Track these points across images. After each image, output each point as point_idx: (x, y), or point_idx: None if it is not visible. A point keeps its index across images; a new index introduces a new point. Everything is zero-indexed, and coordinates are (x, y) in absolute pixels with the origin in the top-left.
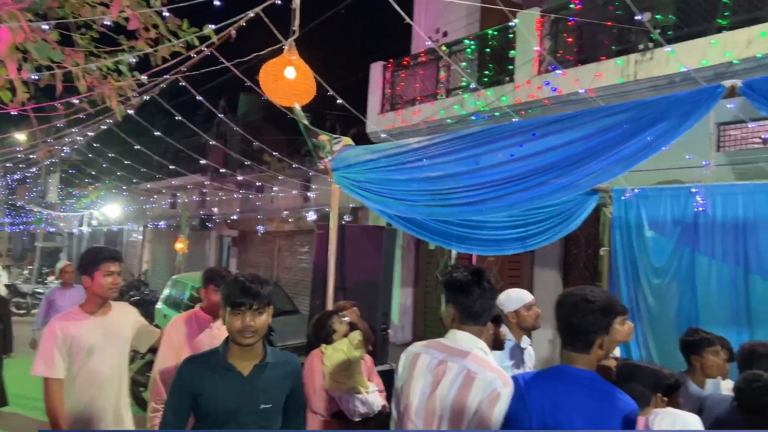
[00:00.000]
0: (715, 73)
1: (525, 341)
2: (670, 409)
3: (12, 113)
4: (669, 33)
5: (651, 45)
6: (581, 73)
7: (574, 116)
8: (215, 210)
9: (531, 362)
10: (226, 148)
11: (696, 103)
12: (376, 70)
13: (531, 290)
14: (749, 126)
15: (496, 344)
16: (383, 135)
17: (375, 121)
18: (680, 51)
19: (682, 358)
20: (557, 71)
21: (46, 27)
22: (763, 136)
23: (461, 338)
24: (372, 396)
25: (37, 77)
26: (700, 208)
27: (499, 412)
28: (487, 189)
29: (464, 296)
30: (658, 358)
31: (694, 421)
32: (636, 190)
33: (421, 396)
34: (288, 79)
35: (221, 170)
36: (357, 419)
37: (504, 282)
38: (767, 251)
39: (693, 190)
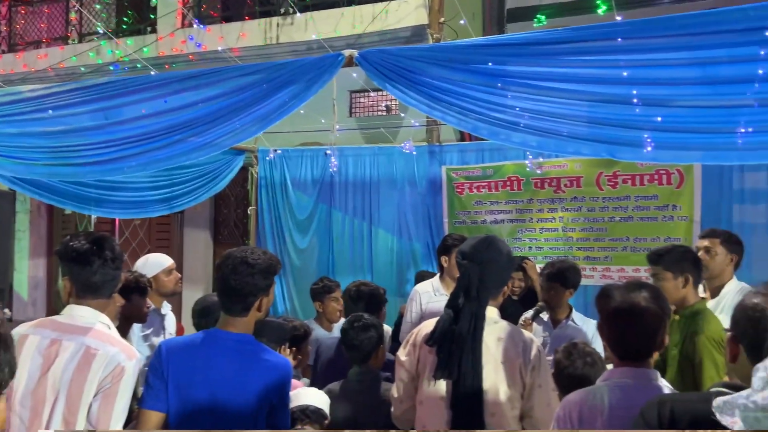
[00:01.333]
0: (346, 44)
1: (165, 307)
2: (303, 389)
3: None
4: (308, 0)
5: (291, 10)
6: (226, 31)
7: (211, 73)
8: None
9: (172, 328)
10: None
11: (320, 69)
12: None
13: (181, 252)
14: (372, 95)
15: (139, 317)
16: None
17: None
18: (318, 19)
19: None
20: (201, 26)
21: None
22: (386, 104)
23: (80, 314)
24: None
25: None
26: (334, 168)
27: (125, 387)
28: (119, 147)
29: (81, 268)
30: (301, 310)
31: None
32: (279, 151)
33: (29, 381)
34: None
35: None
36: None
37: (152, 245)
38: (387, 206)
39: (328, 151)
